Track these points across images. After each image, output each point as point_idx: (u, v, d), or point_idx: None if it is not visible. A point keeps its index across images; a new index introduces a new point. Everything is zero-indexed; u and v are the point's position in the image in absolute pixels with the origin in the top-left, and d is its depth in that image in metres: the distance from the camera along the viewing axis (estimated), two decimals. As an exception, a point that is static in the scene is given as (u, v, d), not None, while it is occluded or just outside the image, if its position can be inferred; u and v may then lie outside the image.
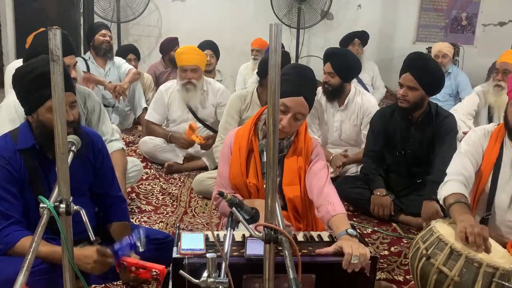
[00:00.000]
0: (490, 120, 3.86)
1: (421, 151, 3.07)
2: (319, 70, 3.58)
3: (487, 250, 1.85)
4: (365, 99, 3.57)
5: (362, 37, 5.54)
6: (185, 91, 3.81)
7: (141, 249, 1.92)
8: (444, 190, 2.20)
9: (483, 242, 1.83)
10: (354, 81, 4.37)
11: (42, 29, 3.64)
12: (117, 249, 1.88)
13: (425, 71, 2.92)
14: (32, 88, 1.83)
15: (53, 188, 1.37)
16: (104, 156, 2.11)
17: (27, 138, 1.91)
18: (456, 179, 2.22)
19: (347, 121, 3.61)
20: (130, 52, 5.31)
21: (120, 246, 1.89)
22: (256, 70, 5.33)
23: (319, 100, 3.57)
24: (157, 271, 1.93)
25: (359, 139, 3.64)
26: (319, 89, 3.50)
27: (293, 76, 2.03)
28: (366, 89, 5.27)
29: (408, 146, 3.09)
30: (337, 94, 3.52)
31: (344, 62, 3.43)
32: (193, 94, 3.83)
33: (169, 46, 5.57)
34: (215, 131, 3.98)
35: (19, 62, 3.64)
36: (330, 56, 3.47)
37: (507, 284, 1.74)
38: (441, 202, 2.22)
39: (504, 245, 2.07)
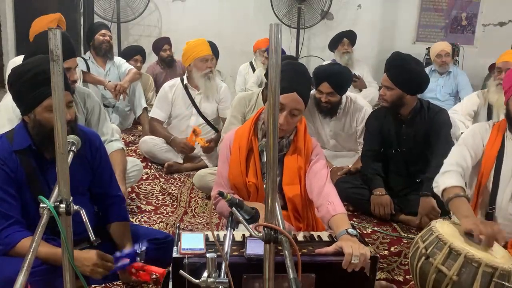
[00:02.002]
0: (489, 120, 3.86)
1: (416, 148, 3.09)
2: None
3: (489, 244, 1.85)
4: (357, 106, 3.54)
5: (351, 36, 5.60)
6: (208, 80, 3.85)
7: (140, 261, 1.93)
8: (442, 182, 2.16)
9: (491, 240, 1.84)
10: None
11: (43, 16, 3.65)
12: (117, 258, 1.89)
13: (399, 71, 2.95)
14: (29, 87, 1.83)
15: (53, 188, 1.37)
16: (102, 155, 2.10)
17: (23, 139, 1.91)
18: (454, 170, 2.19)
19: (341, 132, 3.60)
20: (137, 53, 5.34)
21: (120, 255, 1.90)
22: (261, 70, 5.38)
23: (310, 112, 3.51)
24: (157, 274, 1.93)
25: (355, 146, 3.64)
26: (311, 105, 3.45)
27: (285, 73, 2.01)
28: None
29: (403, 143, 3.12)
30: (336, 110, 3.48)
31: (342, 78, 3.37)
32: (214, 83, 3.90)
33: (158, 45, 5.64)
34: (216, 129, 3.99)
35: (21, 58, 3.64)
36: (325, 76, 3.32)
37: (507, 284, 1.73)
38: (439, 193, 2.18)
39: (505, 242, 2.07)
